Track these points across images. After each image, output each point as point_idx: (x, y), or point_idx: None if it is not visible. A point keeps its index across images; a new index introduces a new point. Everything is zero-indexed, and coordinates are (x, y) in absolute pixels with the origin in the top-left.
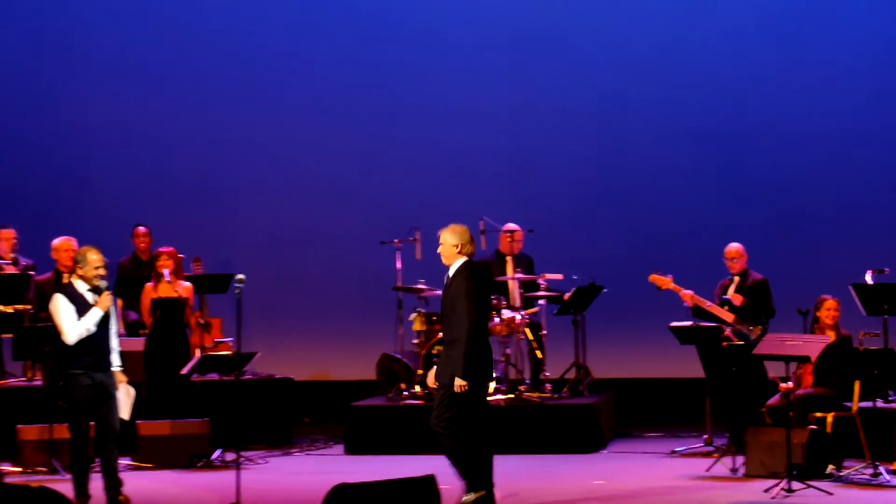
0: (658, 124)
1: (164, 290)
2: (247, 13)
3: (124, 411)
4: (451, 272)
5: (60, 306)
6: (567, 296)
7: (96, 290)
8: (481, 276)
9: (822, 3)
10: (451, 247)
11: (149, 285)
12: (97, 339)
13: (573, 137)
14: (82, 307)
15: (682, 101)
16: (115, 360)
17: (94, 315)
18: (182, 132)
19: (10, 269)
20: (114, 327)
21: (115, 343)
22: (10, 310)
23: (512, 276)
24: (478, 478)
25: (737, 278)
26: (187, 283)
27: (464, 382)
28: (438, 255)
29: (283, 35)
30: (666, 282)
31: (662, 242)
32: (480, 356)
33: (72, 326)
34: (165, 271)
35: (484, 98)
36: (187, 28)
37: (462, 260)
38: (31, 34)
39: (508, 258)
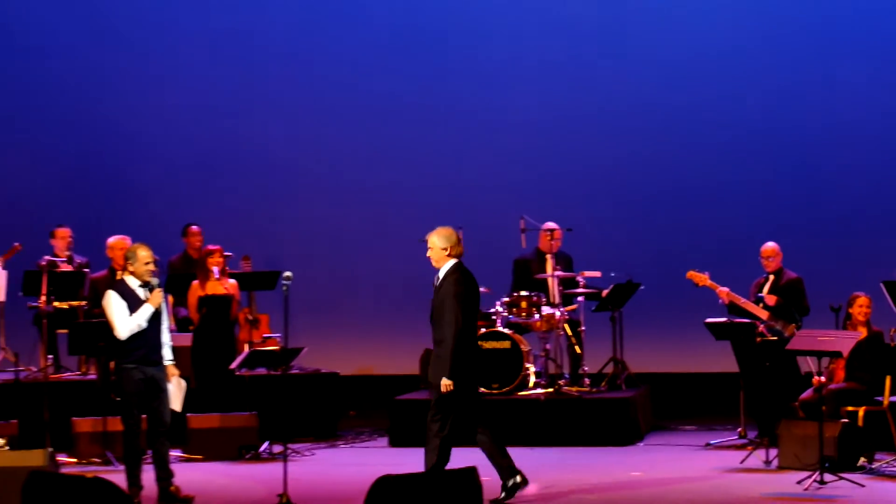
0: (695, 125)
1: (212, 288)
2: (309, 17)
3: (176, 403)
4: (440, 274)
5: (112, 302)
6: (605, 293)
7: (148, 287)
8: (471, 278)
9: (859, 9)
10: (440, 250)
11: (195, 283)
12: (149, 334)
13: (612, 138)
14: (134, 303)
15: (718, 103)
16: (167, 355)
17: (146, 311)
18: (233, 134)
19: (66, 267)
20: (165, 322)
21: (166, 338)
22: (65, 306)
23: (551, 274)
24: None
25: (772, 277)
26: (233, 281)
27: (449, 382)
28: (430, 258)
29: (334, 39)
30: (703, 279)
31: (699, 241)
32: (469, 356)
33: (123, 322)
34: (215, 268)
35: (524, 100)
36: (236, 32)
37: (451, 262)
38: (82, 45)
39: (548, 256)
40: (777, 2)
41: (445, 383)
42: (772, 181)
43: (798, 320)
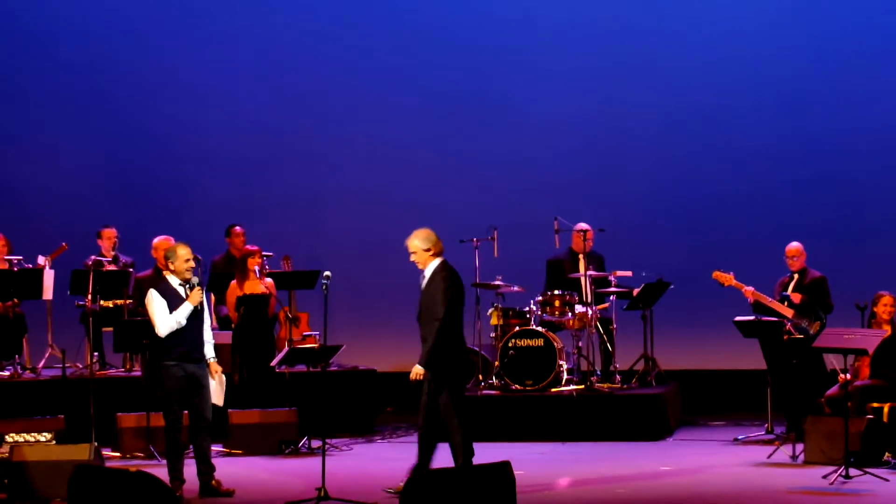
0: (725, 128)
1: (251, 287)
2: (352, 19)
3: (218, 399)
4: (427, 273)
5: (154, 301)
6: (636, 292)
7: (188, 285)
8: (456, 275)
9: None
10: (424, 252)
11: (234, 283)
12: (189, 332)
13: (644, 141)
14: (175, 301)
15: (748, 106)
16: (209, 352)
17: (185, 309)
18: (275, 136)
19: (111, 267)
20: (207, 320)
21: (208, 335)
22: (110, 305)
23: (584, 274)
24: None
25: (796, 275)
26: (270, 280)
27: (421, 371)
28: (415, 262)
29: (373, 41)
30: (728, 278)
31: (727, 241)
32: (455, 352)
33: (163, 320)
34: (256, 268)
35: (559, 103)
36: (274, 33)
37: (438, 261)
38: (125, 48)
39: (581, 256)
40: (814, 5)
41: (417, 371)
42: (799, 182)
43: (822, 318)
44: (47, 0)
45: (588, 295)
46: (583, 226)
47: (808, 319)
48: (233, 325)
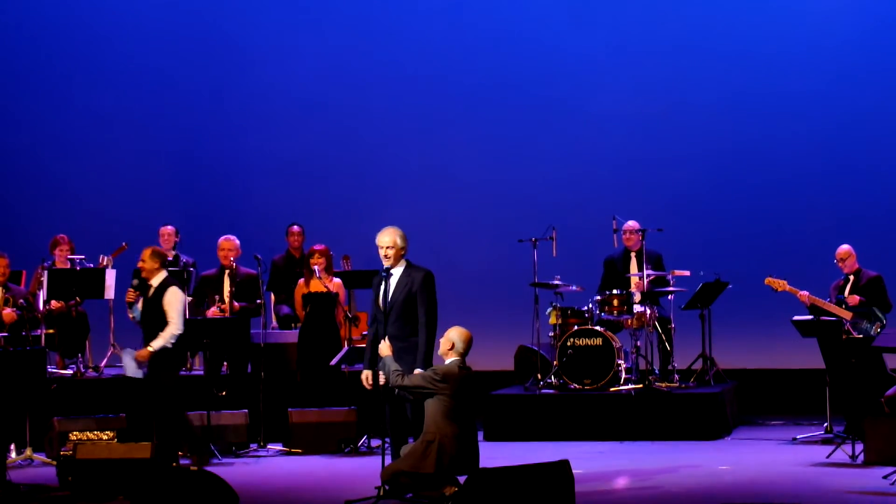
0: (787, 126)
1: (316, 286)
2: (413, 16)
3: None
4: (398, 272)
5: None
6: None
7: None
8: None
9: None
10: (399, 250)
11: (301, 281)
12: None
13: (704, 141)
14: None
15: (813, 104)
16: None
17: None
18: (333, 136)
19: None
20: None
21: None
22: None
23: (636, 273)
24: None
25: (851, 277)
26: (337, 280)
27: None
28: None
29: (438, 41)
30: (781, 284)
31: (787, 241)
32: None
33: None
34: (316, 268)
35: (618, 101)
36: (338, 34)
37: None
38: (189, 48)
39: (632, 254)
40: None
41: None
42: (862, 181)
43: (881, 318)
44: (108, 3)
45: (638, 294)
46: (630, 224)
47: (867, 321)
48: (293, 325)
